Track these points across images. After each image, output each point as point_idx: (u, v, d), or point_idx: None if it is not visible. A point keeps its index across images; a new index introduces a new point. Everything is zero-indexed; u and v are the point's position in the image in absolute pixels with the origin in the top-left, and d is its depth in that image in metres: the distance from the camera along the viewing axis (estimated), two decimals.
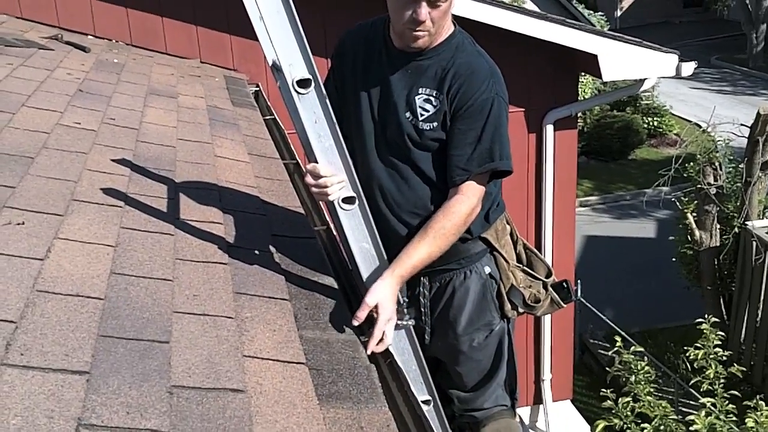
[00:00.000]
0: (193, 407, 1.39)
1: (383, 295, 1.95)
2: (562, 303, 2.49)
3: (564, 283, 2.49)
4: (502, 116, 2.12)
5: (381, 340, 1.94)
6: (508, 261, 2.41)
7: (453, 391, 2.53)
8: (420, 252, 2.07)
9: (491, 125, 2.10)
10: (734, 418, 4.64)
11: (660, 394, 5.68)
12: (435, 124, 2.13)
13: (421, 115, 2.13)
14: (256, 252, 2.20)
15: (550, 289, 2.48)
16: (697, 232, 8.26)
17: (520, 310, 2.44)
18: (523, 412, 6.47)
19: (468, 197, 2.14)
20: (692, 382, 5.09)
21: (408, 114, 2.14)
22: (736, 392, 4.81)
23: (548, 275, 2.49)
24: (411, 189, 2.23)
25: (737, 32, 25.32)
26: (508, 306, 2.41)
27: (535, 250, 2.53)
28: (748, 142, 7.95)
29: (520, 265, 2.46)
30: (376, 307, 1.93)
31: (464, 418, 2.56)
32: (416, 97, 2.13)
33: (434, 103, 2.12)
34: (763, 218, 8.11)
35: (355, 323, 1.93)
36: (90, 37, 4.87)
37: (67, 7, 4.85)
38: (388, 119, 2.18)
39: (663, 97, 17.93)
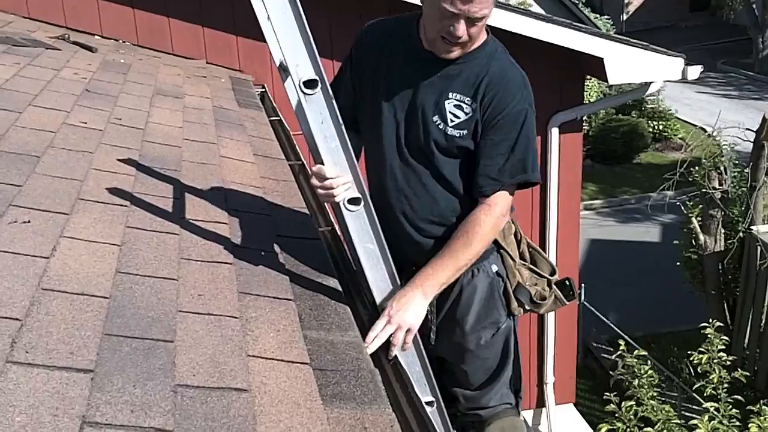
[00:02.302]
0: (197, 406, 1.39)
1: (414, 312, 2.02)
2: (565, 300, 2.50)
3: (567, 281, 2.50)
4: (533, 128, 2.12)
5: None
6: (514, 259, 2.41)
7: (458, 390, 2.53)
8: (448, 272, 2.11)
9: (524, 137, 2.09)
10: (737, 423, 4.64)
11: (663, 399, 5.68)
12: (465, 132, 2.10)
13: (452, 120, 2.10)
14: (261, 252, 2.20)
15: (554, 286, 2.48)
16: (701, 237, 8.25)
17: (527, 307, 2.44)
18: (526, 415, 6.45)
19: (496, 208, 2.15)
20: (696, 386, 5.08)
21: (437, 118, 2.11)
22: (739, 397, 4.81)
23: (552, 273, 2.49)
24: (428, 194, 2.21)
25: (743, 36, 25.24)
26: (514, 304, 2.41)
27: (539, 249, 2.53)
28: (753, 147, 7.94)
29: (526, 263, 2.46)
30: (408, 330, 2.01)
31: (469, 417, 2.56)
32: (446, 102, 2.10)
33: (466, 110, 2.08)
34: (767, 223, 8.09)
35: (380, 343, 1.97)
36: (97, 37, 4.88)
37: (74, 7, 4.86)
38: (413, 122, 2.14)
39: (668, 101, 17.91)
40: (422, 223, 2.25)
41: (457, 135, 2.11)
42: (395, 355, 2.04)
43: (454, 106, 2.09)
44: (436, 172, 2.18)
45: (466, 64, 2.09)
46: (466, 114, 2.09)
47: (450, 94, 2.10)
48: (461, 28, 1.95)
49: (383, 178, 2.23)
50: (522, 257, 2.47)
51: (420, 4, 2.08)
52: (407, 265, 2.18)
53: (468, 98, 2.08)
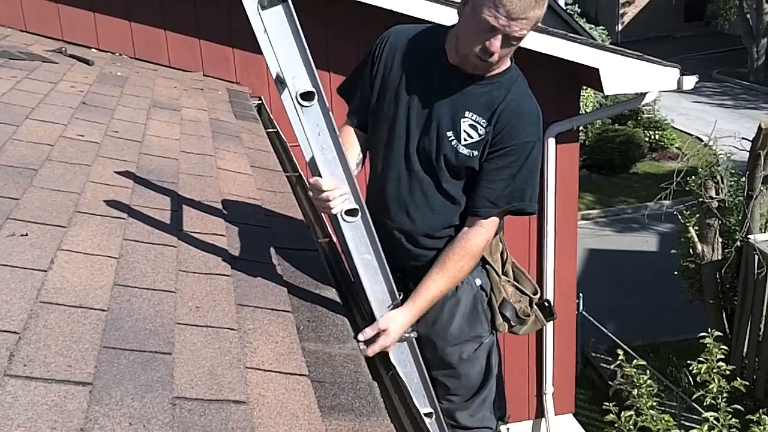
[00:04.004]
0: (195, 418, 1.39)
1: (395, 325, 2.03)
2: (544, 321, 2.51)
3: (546, 302, 2.51)
4: (538, 160, 2.16)
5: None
6: (499, 275, 2.41)
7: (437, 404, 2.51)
8: (439, 285, 2.14)
9: (527, 168, 2.12)
10: None
11: (662, 408, 5.67)
12: (475, 152, 2.12)
13: (465, 139, 2.12)
14: (259, 264, 2.20)
15: (535, 306, 2.48)
16: (698, 246, 8.26)
17: (512, 323, 2.43)
18: (525, 426, 6.44)
19: (486, 231, 2.17)
20: (695, 396, 5.08)
21: (451, 134, 2.13)
22: (738, 406, 4.80)
23: (535, 292, 2.49)
24: (428, 205, 2.22)
25: (738, 46, 25.36)
26: (499, 319, 2.41)
27: (523, 269, 2.53)
28: (749, 156, 7.96)
29: (510, 280, 2.46)
30: (385, 330, 2.01)
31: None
32: (462, 120, 2.11)
33: (480, 132, 2.11)
34: (764, 232, 8.10)
35: (361, 338, 1.99)
36: (93, 50, 4.89)
37: (71, 20, 4.87)
38: (427, 133, 2.16)
39: (664, 110, 17.96)
40: (417, 234, 2.26)
41: (468, 154, 2.12)
42: (394, 366, 2.04)
43: (469, 125, 2.11)
44: (439, 185, 2.20)
45: (487, 87, 2.11)
46: (480, 135, 2.11)
47: (467, 113, 2.11)
48: (497, 44, 1.95)
49: (385, 183, 2.24)
50: (506, 275, 2.47)
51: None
52: (396, 272, 2.17)
53: (484, 120, 2.10)
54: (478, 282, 2.38)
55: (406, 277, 2.24)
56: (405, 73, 2.18)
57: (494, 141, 2.10)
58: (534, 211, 2.20)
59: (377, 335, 2.01)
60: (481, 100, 2.11)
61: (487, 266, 2.39)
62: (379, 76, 2.23)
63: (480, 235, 2.17)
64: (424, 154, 2.17)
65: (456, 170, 2.17)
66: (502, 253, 2.46)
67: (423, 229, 2.25)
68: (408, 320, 2.07)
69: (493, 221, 2.18)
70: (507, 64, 2.14)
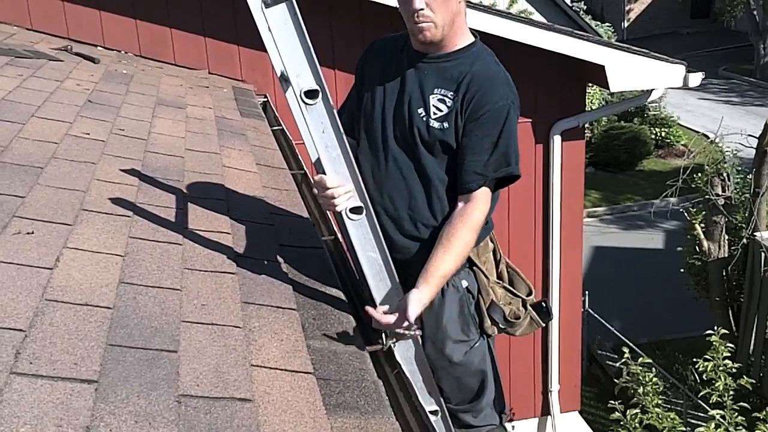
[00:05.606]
0: (201, 416, 1.39)
1: (415, 302, 1.99)
2: (540, 322, 2.46)
3: (543, 303, 2.46)
4: (515, 123, 2.17)
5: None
6: (488, 277, 2.36)
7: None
8: (448, 264, 2.10)
9: (506, 132, 2.14)
10: (744, 431, 4.62)
11: (668, 406, 5.66)
12: (446, 124, 2.14)
13: (434, 113, 2.15)
14: (264, 262, 2.20)
15: (530, 308, 2.43)
16: (705, 243, 8.24)
17: (501, 326, 2.38)
18: (531, 423, 6.44)
19: (482, 203, 2.16)
20: (701, 393, 5.07)
21: (421, 110, 2.17)
22: (745, 404, 4.79)
23: (529, 294, 2.44)
24: (407, 188, 2.22)
25: (745, 43, 25.30)
26: (488, 322, 2.35)
27: (518, 270, 2.48)
28: (756, 153, 7.94)
29: (501, 282, 2.42)
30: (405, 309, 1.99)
31: None
32: (431, 96, 2.16)
33: (448, 104, 2.14)
34: None
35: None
36: (99, 48, 4.90)
37: (77, 18, 4.88)
38: (399, 114, 2.20)
39: (670, 107, 17.93)
40: (401, 219, 2.25)
41: (438, 127, 2.15)
42: (399, 364, 2.03)
43: (438, 100, 2.15)
44: (417, 166, 2.21)
45: (452, 62, 2.17)
46: (448, 107, 2.14)
47: (435, 89, 2.16)
48: (418, 2, 2.03)
49: (367, 174, 2.24)
50: (500, 277, 2.42)
51: None
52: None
53: (450, 92, 2.15)
54: (465, 284, 2.32)
55: None
56: (379, 71, 2.27)
57: (467, 112, 2.13)
58: (519, 174, 2.20)
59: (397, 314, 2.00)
60: (447, 75, 2.16)
61: (475, 268, 2.33)
62: (363, 87, 2.31)
63: (477, 208, 2.16)
64: (399, 134, 2.21)
65: (430, 146, 2.18)
66: (494, 253, 2.42)
67: (404, 210, 2.24)
68: (426, 297, 2.03)
69: (486, 192, 2.17)
70: (468, 39, 2.20)
